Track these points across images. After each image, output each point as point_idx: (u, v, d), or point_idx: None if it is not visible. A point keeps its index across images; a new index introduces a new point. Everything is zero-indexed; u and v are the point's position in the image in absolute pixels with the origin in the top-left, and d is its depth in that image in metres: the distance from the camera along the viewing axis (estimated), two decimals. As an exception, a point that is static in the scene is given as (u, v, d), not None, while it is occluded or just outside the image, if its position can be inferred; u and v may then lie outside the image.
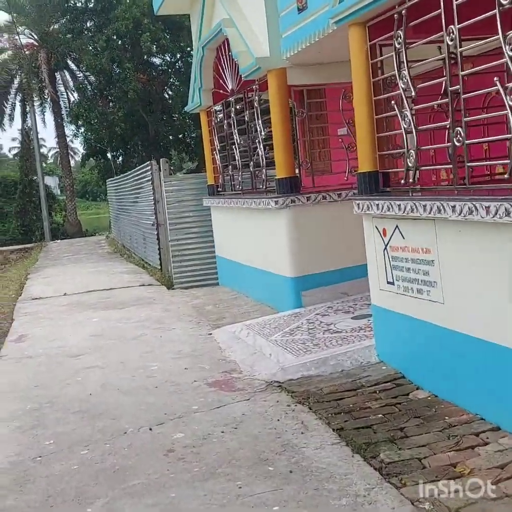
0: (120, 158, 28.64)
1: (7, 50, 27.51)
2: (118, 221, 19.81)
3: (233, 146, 8.40)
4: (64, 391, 5.14)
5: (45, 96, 27.51)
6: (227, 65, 8.19)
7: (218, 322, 7.27)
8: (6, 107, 28.40)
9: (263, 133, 7.27)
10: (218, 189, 9.52)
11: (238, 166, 8.40)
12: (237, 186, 8.57)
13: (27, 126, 29.08)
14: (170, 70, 28.42)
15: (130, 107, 25.05)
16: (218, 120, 9.21)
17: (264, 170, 7.45)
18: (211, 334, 6.68)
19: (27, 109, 27.98)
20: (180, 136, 29.82)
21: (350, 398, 4.42)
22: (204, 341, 6.43)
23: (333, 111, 7.75)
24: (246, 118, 7.81)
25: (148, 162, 11.59)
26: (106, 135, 25.65)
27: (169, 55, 27.23)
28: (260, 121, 7.27)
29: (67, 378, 5.49)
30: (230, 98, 8.32)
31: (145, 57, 25.81)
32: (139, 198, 13.59)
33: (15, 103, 28.97)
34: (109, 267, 13.66)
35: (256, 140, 7.51)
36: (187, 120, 28.19)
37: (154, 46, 24.85)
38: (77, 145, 57.62)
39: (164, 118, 28.65)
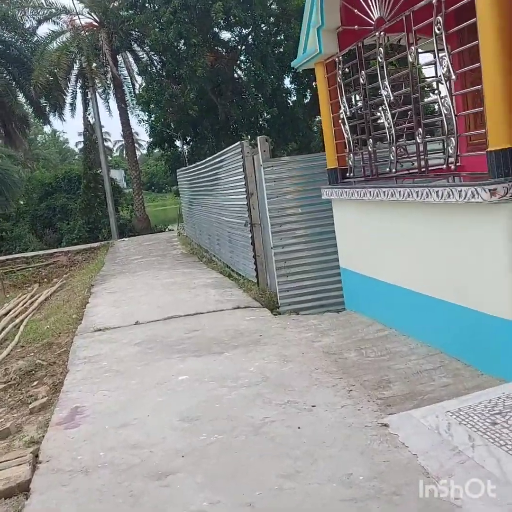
0: (188, 145, 26.20)
1: (66, 32, 25.20)
2: (192, 217, 17.25)
3: (382, 107, 5.50)
4: None
5: (108, 82, 25.20)
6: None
7: (384, 393, 4.43)
8: (66, 96, 26.04)
9: (454, 77, 4.34)
10: (346, 174, 6.66)
11: (390, 137, 5.50)
12: (389, 168, 5.66)
13: (89, 115, 26.85)
14: (239, 47, 25.74)
15: (200, 88, 22.53)
16: (345, 73, 6.33)
17: (452, 139, 4.52)
18: (386, 425, 3.85)
19: (88, 96, 25.68)
20: (252, 119, 27.16)
21: None
22: (381, 444, 3.58)
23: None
24: (409, 59, 4.90)
25: (237, 143, 8.84)
26: (174, 121, 23.22)
27: (239, 28, 24.45)
28: (448, 58, 4.34)
29: (149, 557, 2.79)
30: (376, 34, 5.41)
31: (213, 30, 23.13)
32: (223, 190, 10.87)
33: (75, 91, 26.53)
34: (189, 277, 11.01)
35: (436, 92, 4.61)
36: (260, 100, 25.52)
37: (224, 17, 22.13)
38: (142, 137, 56.13)
39: (235, 100, 25.99)
